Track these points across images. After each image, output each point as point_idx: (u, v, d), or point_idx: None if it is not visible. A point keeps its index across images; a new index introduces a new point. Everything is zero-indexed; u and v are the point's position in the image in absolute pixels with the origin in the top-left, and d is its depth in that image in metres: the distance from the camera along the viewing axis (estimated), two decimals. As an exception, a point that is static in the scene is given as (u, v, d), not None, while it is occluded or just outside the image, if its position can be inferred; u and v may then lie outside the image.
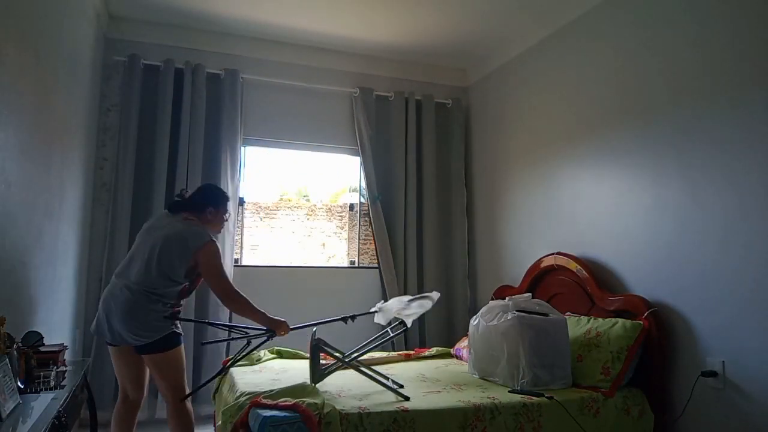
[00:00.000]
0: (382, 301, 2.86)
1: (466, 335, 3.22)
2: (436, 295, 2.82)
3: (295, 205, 4.36)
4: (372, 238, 4.19)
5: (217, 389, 2.88)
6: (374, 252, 4.20)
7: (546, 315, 2.67)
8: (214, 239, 2.46)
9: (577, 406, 2.39)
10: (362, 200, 4.31)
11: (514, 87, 4.00)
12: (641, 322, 2.61)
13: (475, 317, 2.87)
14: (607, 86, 3.12)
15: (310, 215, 4.34)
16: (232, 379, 2.61)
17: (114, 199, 3.59)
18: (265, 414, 1.99)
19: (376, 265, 4.17)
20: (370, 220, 4.17)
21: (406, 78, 4.44)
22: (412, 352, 3.37)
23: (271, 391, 2.21)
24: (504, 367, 2.61)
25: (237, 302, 2.44)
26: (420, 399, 2.29)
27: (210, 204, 2.58)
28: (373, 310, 2.80)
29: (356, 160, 4.31)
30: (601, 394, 2.48)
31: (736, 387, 2.33)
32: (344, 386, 2.48)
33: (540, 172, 3.65)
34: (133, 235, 3.59)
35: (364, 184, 4.20)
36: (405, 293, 4.13)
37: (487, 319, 2.76)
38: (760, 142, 2.27)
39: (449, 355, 3.42)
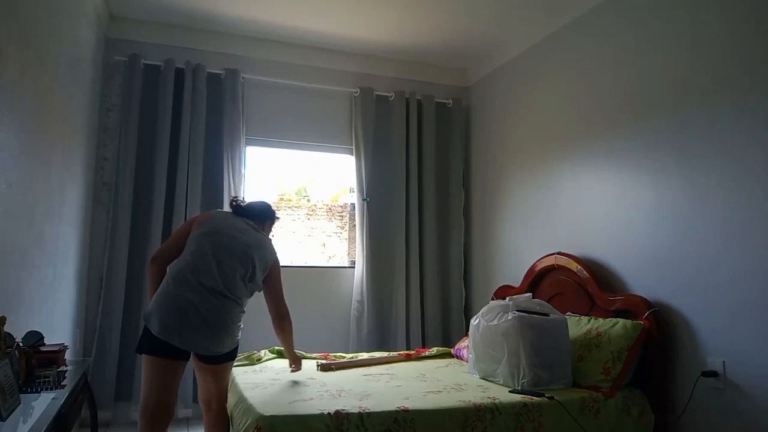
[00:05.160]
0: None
1: (467, 335, 3.22)
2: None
3: (295, 205, 4.36)
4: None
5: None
6: (367, 251, 4.11)
7: (546, 315, 2.67)
8: None
9: (578, 406, 2.38)
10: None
11: (515, 87, 4.00)
12: (642, 322, 2.61)
13: (475, 317, 2.86)
14: (607, 86, 3.12)
15: (311, 215, 4.34)
16: (233, 379, 2.61)
17: (114, 199, 3.59)
18: None
19: (362, 265, 4.10)
20: (362, 219, 4.11)
21: (406, 78, 4.44)
22: (412, 352, 3.37)
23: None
24: (504, 367, 2.61)
25: (286, 325, 2.54)
26: (420, 399, 2.29)
27: (270, 218, 2.64)
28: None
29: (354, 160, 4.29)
30: (602, 394, 2.47)
31: (736, 387, 2.33)
32: (345, 386, 2.48)
33: (540, 171, 3.65)
34: (134, 235, 3.64)
35: (356, 184, 4.18)
36: (405, 293, 4.12)
37: (488, 319, 2.75)
38: (760, 141, 2.27)
39: (450, 355, 3.42)
